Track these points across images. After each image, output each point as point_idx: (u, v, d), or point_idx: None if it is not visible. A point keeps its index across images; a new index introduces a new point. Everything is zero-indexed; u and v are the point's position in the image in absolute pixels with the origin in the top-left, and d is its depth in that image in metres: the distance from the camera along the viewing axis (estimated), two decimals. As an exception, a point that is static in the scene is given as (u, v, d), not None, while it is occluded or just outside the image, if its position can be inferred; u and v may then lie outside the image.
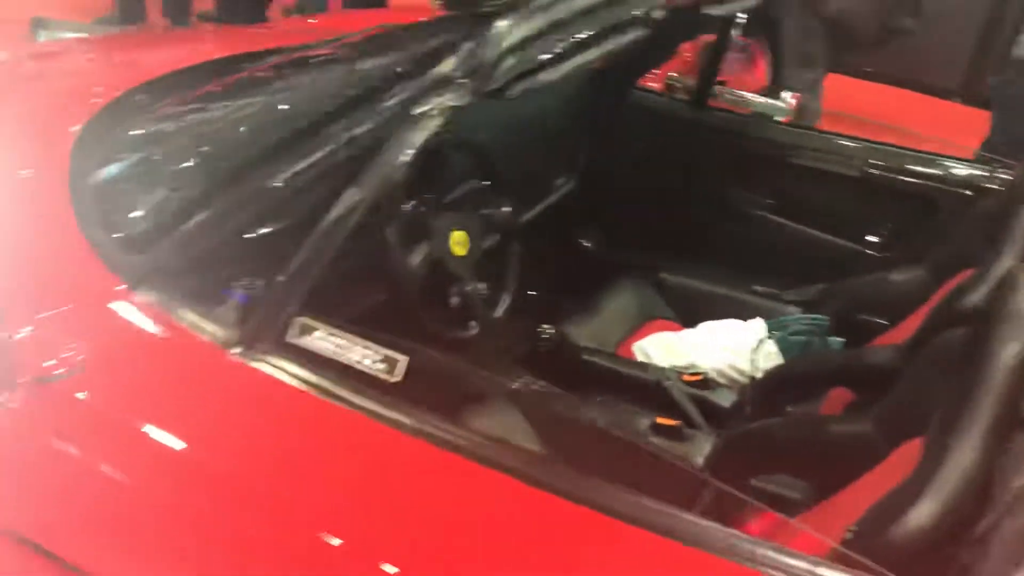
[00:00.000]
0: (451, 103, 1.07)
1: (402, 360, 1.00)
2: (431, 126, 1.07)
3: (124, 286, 1.11)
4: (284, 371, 1.01)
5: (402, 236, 1.27)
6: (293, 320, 1.04)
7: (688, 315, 1.94)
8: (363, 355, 1.01)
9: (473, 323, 1.40)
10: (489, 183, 1.51)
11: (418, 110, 1.08)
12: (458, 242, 1.38)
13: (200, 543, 0.96)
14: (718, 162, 2.06)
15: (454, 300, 1.40)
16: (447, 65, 1.08)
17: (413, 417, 0.96)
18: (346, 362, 1.01)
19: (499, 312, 1.46)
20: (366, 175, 1.05)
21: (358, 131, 1.10)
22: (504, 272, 1.49)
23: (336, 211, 1.04)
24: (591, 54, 1.19)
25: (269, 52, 1.79)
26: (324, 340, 1.03)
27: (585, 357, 1.73)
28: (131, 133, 1.40)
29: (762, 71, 2.88)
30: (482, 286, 1.41)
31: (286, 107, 1.38)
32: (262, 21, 3.44)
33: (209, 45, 2.14)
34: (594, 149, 2.07)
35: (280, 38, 2.10)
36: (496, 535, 0.90)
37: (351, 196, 1.04)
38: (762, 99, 2.18)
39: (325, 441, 1.00)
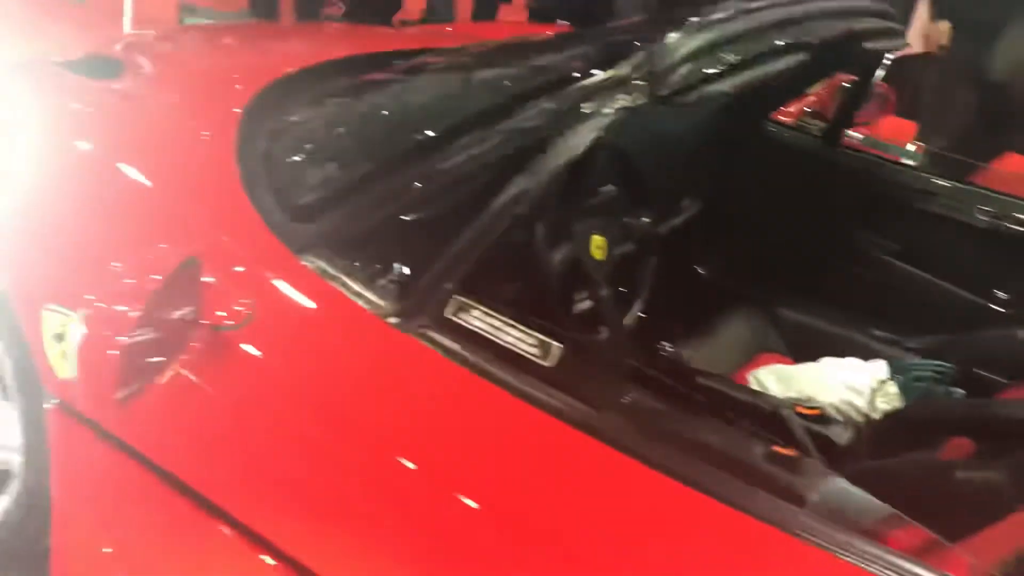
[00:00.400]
0: (626, 104, 1.09)
1: (556, 346, 1.02)
2: (603, 125, 1.09)
3: (291, 252, 1.17)
4: (440, 345, 1.05)
5: (548, 232, 1.30)
6: (451, 298, 1.07)
7: (801, 351, 1.91)
8: (518, 338, 1.04)
9: (602, 328, 1.42)
10: (629, 191, 1.53)
11: (592, 108, 1.11)
12: (598, 246, 1.41)
13: (350, 496, 0.99)
14: (846, 202, 2.04)
15: (585, 303, 1.42)
16: (623, 68, 1.10)
17: (565, 402, 0.98)
18: (501, 343, 1.04)
19: (628, 321, 1.47)
20: (535, 166, 1.09)
21: (526, 124, 1.13)
22: (637, 282, 1.51)
23: (502, 198, 1.08)
24: (757, 72, 1.21)
25: (421, 51, 1.86)
26: (480, 320, 1.06)
27: (700, 380, 1.73)
28: (299, 110, 1.48)
29: (895, 118, 2.85)
30: (611, 292, 1.43)
31: (454, 97, 1.43)
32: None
33: (359, 41, 2.23)
34: (722, 176, 2.07)
35: (423, 40, 2.18)
36: (645, 525, 0.91)
37: (518, 185, 1.08)
38: (894, 144, 2.17)
39: (475, 415, 1.02)
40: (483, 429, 1.01)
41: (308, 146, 1.38)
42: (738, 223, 2.11)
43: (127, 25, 3.14)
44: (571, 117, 1.11)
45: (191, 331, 1.08)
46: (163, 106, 1.52)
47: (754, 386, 1.83)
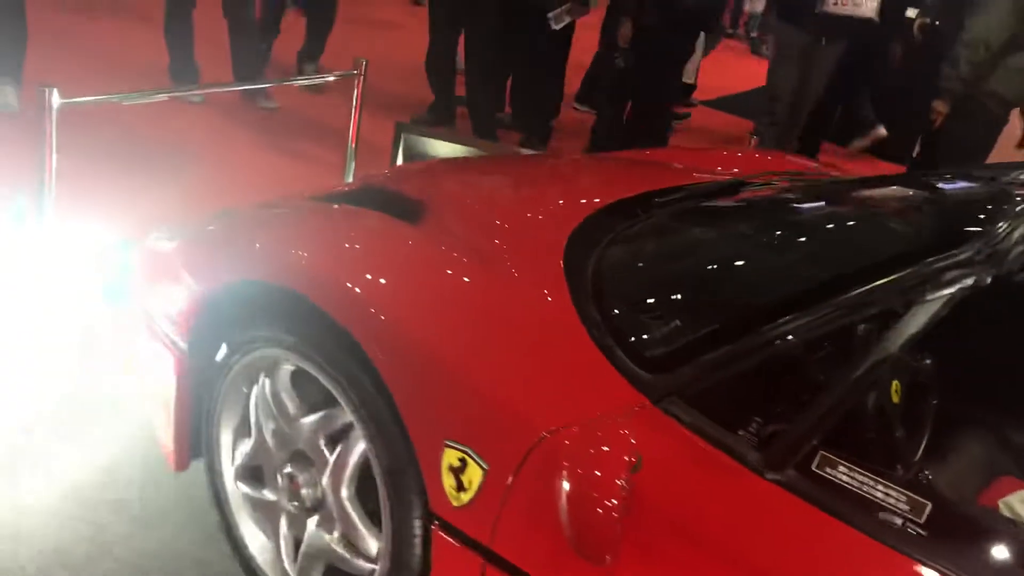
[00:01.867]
0: (968, 282, 1.24)
1: (927, 506, 1.16)
2: (947, 298, 1.24)
3: (645, 402, 1.34)
4: (811, 498, 1.20)
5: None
6: (818, 453, 1.22)
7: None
8: (886, 494, 1.18)
9: (899, 468, 1.53)
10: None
11: (936, 285, 1.26)
12: (896, 390, 1.53)
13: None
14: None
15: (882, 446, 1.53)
16: (966, 250, 1.26)
17: (939, 564, 1.11)
18: (872, 499, 1.18)
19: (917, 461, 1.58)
20: (895, 334, 1.24)
21: (876, 295, 1.29)
22: (920, 423, 1.62)
23: (868, 362, 1.23)
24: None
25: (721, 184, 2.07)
26: (848, 475, 1.20)
27: (963, 511, 1.81)
28: (618, 255, 1.68)
29: None
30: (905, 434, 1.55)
31: (792, 248, 1.60)
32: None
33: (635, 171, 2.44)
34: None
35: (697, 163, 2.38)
36: None
37: (882, 351, 1.23)
38: None
39: (852, 569, 1.16)
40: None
41: (643, 292, 1.57)
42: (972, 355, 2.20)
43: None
44: (916, 294, 1.26)
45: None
46: (488, 259, 1.70)
47: (1007, 515, 1.91)
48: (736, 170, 2.53)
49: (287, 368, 1.69)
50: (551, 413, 1.33)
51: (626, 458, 1.25)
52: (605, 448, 1.27)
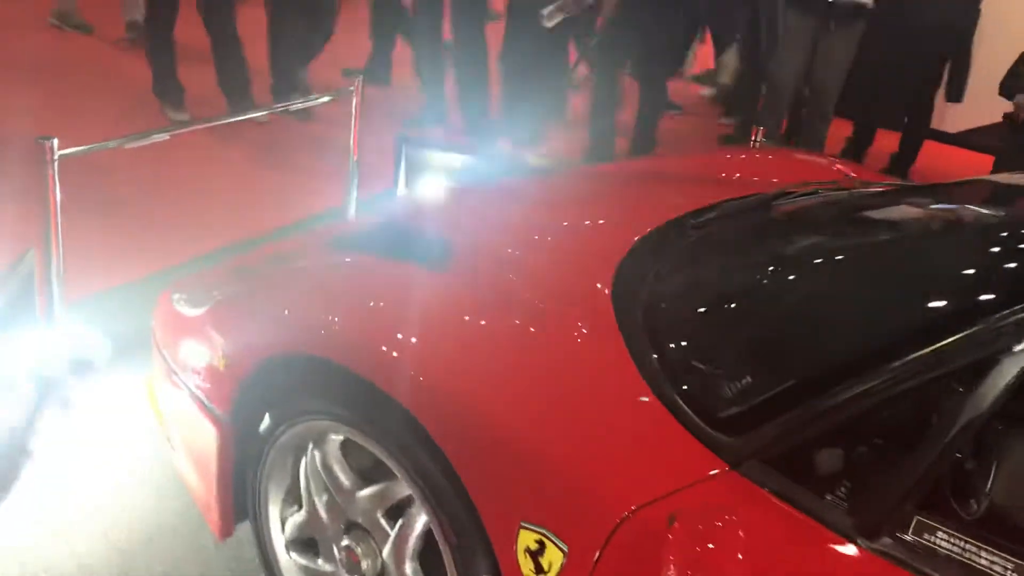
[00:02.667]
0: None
1: (1033, 572, 1.12)
2: None
3: (724, 467, 1.29)
4: (909, 566, 1.16)
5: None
6: (914, 518, 1.18)
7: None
8: (991, 561, 1.14)
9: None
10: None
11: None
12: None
13: None
14: None
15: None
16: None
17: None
18: (976, 566, 1.14)
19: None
20: (991, 384, 1.18)
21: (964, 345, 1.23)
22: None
23: (960, 421, 1.18)
24: None
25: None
26: (948, 541, 1.17)
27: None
28: (670, 297, 1.62)
29: None
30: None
31: (887, 273, 1.54)
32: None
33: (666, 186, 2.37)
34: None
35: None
36: None
37: (978, 406, 1.18)
38: None
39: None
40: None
41: (704, 341, 1.51)
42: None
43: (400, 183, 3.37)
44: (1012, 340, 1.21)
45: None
46: (534, 313, 1.63)
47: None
48: (754, 179, 2.48)
49: (336, 438, 1.64)
50: (629, 488, 1.28)
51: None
52: (694, 523, 1.23)
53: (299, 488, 1.75)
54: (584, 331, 1.56)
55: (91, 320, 2.89)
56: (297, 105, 3.37)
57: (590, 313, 1.61)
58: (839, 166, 2.76)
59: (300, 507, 1.77)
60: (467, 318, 1.62)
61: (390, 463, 1.50)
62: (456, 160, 3.74)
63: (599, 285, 1.69)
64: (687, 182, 2.45)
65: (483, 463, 1.38)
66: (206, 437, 1.83)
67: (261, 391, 1.70)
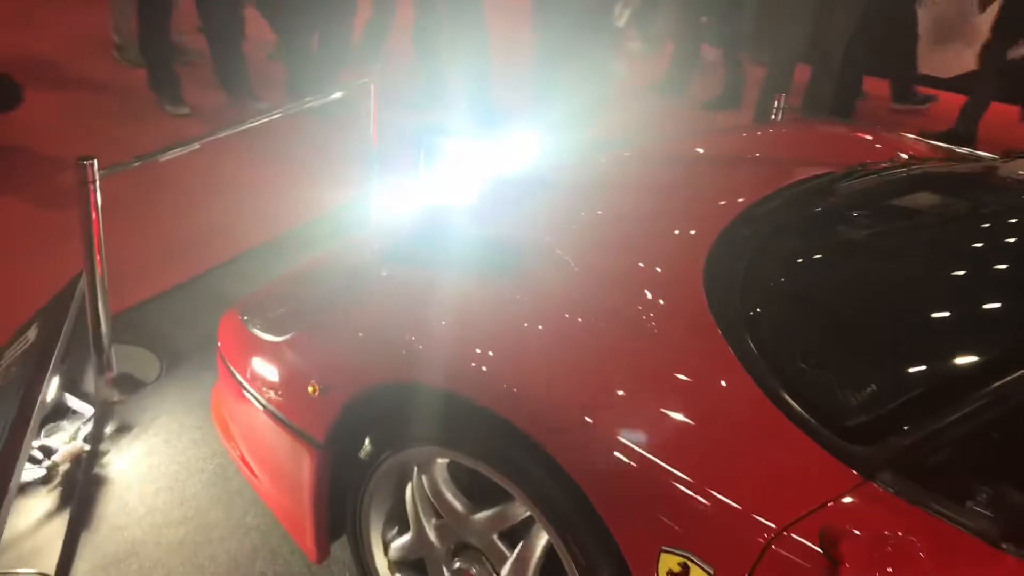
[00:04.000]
0: None
1: None
2: None
3: (859, 479, 1.29)
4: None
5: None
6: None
7: None
8: None
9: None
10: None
11: None
12: None
13: None
14: None
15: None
16: None
17: None
18: None
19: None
20: None
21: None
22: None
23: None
24: None
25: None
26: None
27: None
28: (786, 272, 1.60)
29: None
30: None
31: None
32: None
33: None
34: None
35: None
36: None
37: None
38: None
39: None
40: None
41: (818, 342, 1.49)
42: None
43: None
44: None
45: None
46: (639, 326, 1.59)
47: None
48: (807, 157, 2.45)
49: (443, 461, 1.63)
50: (772, 507, 1.28)
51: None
52: (843, 539, 1.23)
53: (402, 510, 1.74)
54: (691, 343, 1.55)
55: (137, 333, 2.86)
56: (312, 103, 3.29)
57: (691, 321, 1.59)
58: (874, 136, 2.74)
59: (402, 528, 1.76)
60: (574, 334, 1.59)
61: (513, 490, 1.49)
62: (476, 147, 3.69)
63: (692, 288, 1.67)
64: (744, 163, 2.42)
65: (616, 488, 1.38)
66: (298, 462, 1.81)
67: (361, 418, 1.69)
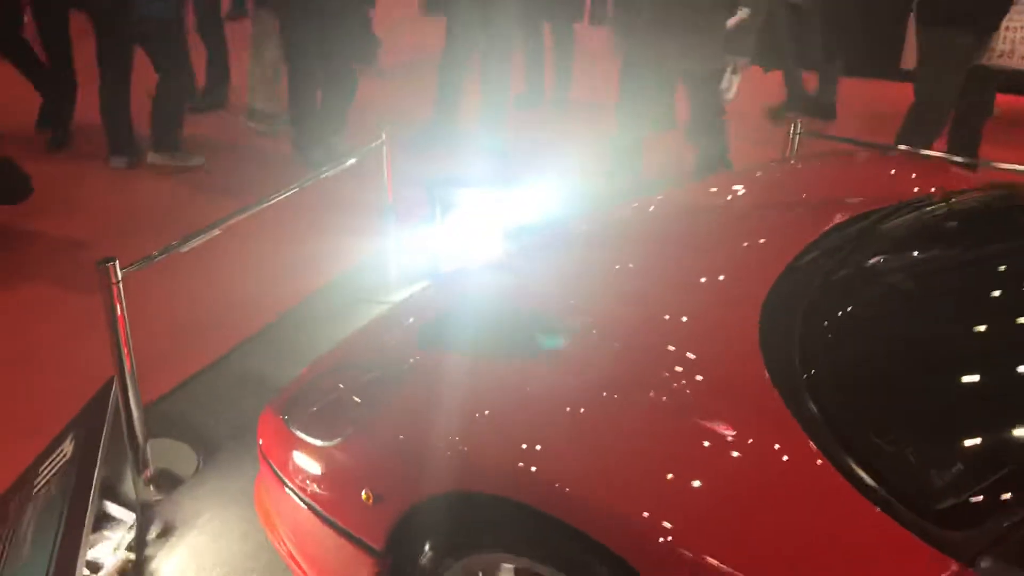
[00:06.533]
0: None
1: None
2: None
3: (957, 567, 1.22)
4: None
5: None
6: None
7: None
8: None
9: None
10: None
11: None
12: None
13: None
14: None
15: None
16: None
17: None
18: None
19: None
20: None
21: None
22: None
23: None
24: None
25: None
26: None
27: None
28: (853, 337, 1.56)
29: None
30: None
31: None
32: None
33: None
34: None
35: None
36: None
37: None
38: None
39: None
40: None
41: (894, 414, 1.42)
42: None
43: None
44: None
45: None
46: (703, 412, 1.52)
47: None
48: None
49: (509, 566, 1.57)
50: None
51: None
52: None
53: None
54: (757, 426, 1.48)
55: (170, 425, 2.81)
56: (328, 173, 3.25)
57: (753, 398, 1.53)
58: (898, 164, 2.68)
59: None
60: (627, 420, 1.54)
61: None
62: (491, 196, 3.65)
63: (749, 357, 1.61)
64: (778, 207, 2.37)
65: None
66: (355, 568, 1.76)
67: (422, 525, 1.63)
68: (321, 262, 3.93)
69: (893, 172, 2.59)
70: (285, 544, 2.06)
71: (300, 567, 2.02)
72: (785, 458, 1.42)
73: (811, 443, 1.42)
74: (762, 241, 2.10)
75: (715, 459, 1.43)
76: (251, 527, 2.41)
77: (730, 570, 1.27)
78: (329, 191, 4.61)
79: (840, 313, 1.68)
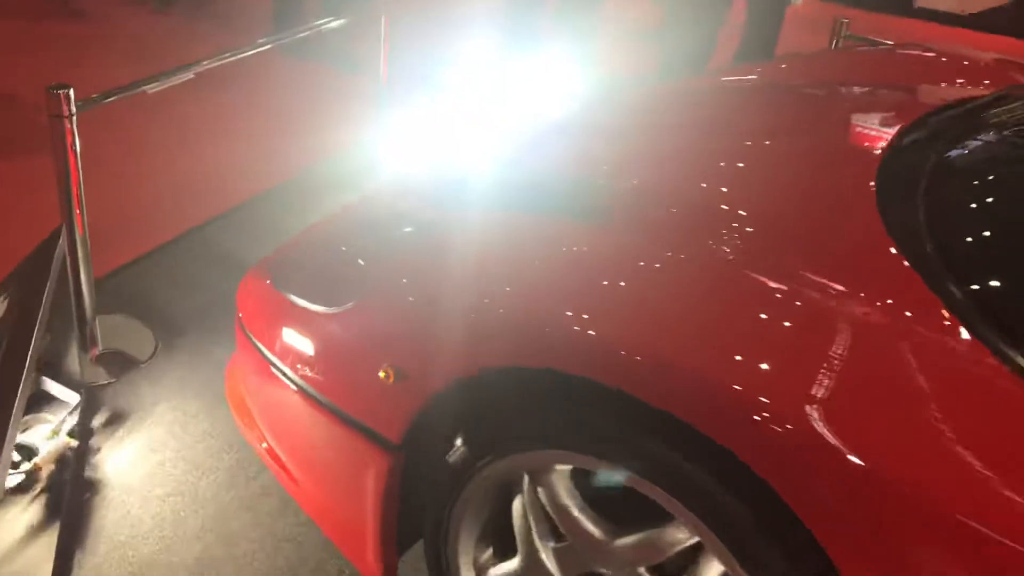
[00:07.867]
0: None
1: None
2: None
3: None
4: None
5: None
6: None
7: None
8: None
9: None
10: None
11: None
12: None
13: None
14: None
15: None
16: None
17: None
18: None
19: None
20: None
21: None
22: None
23: None
24: None
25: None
26: None
27: None
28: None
29: None
30: None
31: None
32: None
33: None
34: None
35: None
36: None
37: None
38: None
39: None
40: None
41: None
42: None
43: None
44: None
45: None
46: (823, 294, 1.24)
47: None
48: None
49: (563, 468, 1.25)
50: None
51: None
52: None
53: (502, 528, 1.37)
54: (896, 311, 1.17)
55: (127, 301, 2.42)
56: (317, 27, 2.84)
57: (883, 282, 1.22)
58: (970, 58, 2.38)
59: (500, 550, 1.39)
60: (744, 304, 1.19)
61: (670, 505, 1.12)
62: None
63: (873, 234, 1.29)
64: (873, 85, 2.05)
65: (840, 509, 1.01)
66: (360, 464, 1.43)
67: (454, 412, 1.30)
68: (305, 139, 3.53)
69: (966, 63, 2.30)
70: (265, 439, 1.72)
71: (281, 464, 1.68)
72: (933, 347, 1.12)
73: (966, 330, 1.12)
74: (859, 118, 1.78)
75: (853, 345, 1.12)
76: (218, 422, 2.06)
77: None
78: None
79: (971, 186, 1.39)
